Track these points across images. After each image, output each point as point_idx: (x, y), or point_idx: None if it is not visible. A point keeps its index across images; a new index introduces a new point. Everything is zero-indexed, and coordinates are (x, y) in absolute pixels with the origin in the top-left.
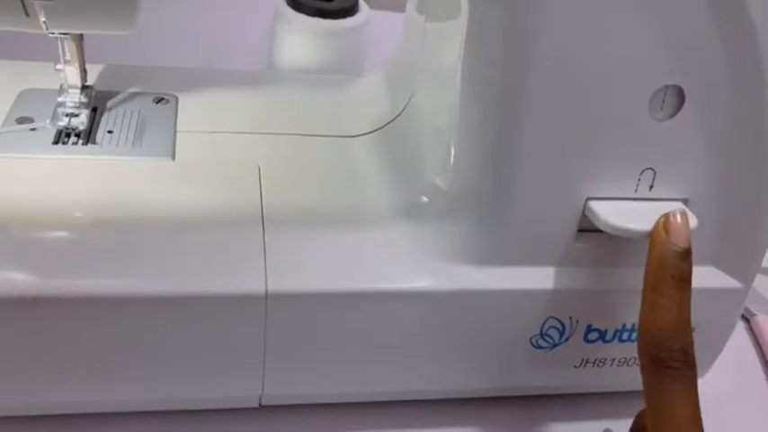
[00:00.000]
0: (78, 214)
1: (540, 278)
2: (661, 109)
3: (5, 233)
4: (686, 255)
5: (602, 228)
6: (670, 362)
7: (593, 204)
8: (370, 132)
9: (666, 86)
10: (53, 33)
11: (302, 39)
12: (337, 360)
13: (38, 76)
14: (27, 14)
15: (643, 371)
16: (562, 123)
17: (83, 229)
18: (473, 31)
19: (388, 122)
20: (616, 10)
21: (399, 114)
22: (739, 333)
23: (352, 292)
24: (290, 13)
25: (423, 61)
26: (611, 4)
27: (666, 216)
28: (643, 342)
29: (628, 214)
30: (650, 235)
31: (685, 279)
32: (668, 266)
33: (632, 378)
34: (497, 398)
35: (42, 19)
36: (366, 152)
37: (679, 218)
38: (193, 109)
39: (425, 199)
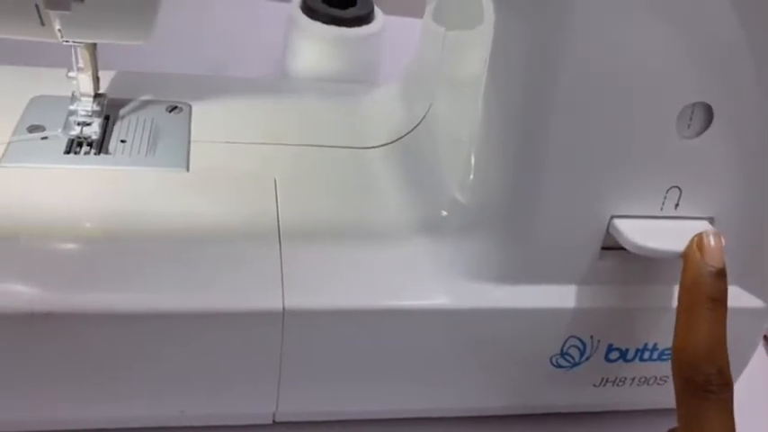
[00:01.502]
0: (90, 226)
1: (562, 296)
2: (688, 126)
3: (17, 246)
4: (721, 275)
5: (627, 247)
6: (707, 385)
7: (618, 223)
8: (388, 144)
9: (694, 104)
10: (67, 41)
11: (317, 46)
12: (353, 377)
13: (49, 81)
14: (42, 24)
15: (677, 394)
16: (588, 139)
17: (95, 241)
18: (498, 44)
19: (406, 133)
20: (644, 26)
21: (417, 125)
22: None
23: (370, 310)
24: (305, 20)
25: (442, 71)
26: (640, 19)
27: (699, 236)
28: (678, 365)
29: (653, 233)
30: (684, 255)
31: (720, 299)
32: (703, 287)
33: (652, 397)
34: (514, 416)
35: (57, 27)
36: (383, 164)
37: (712, 238)
38: (207, 118)
39: (444, 213)
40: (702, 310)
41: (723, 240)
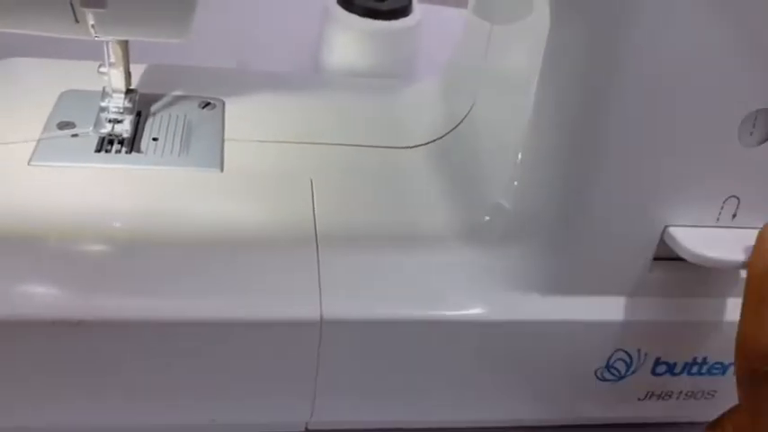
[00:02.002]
0: (122, 229)
1: (610, 309)
2: (751, 134)
3: (47, 248)
4: None
5: (685, 257)
6: None
7: (674, 231)
8: (427, 143)
9: (758, 111)
10: (98, 37)
11: (353, 40)
12: (390, 386)
13: (79, 75)
14: (77, 21)
15: (741, 381)
16: (644, 147)
17: (126, 245)
18: (554, 42)
19: (447, 133)
20: (709, 29)
21: (459, 124)
22: None
23: (409, 320)
24: (341, 12)
25: (487, 68)
26: (704, 22)
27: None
28: (746, 354)
29: (712, 243)
30: (757, 239)
31: None
32: None
33: (699, 411)
34: (554, 426)
35: (91, 23)
36: (422, 165)
37: None
38: (241, 115)
39: (487, 218)
40: None
41: None
